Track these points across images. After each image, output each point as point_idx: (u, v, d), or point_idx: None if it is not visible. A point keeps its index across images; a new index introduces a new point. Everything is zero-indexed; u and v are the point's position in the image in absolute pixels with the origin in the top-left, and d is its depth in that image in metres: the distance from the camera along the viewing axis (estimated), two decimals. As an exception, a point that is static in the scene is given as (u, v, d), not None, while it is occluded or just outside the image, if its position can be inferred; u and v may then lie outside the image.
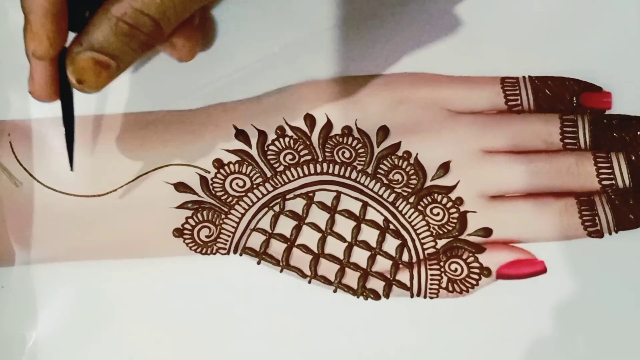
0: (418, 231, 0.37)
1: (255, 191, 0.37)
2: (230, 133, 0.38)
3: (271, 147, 0.38)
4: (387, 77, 0.39)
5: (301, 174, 0.38)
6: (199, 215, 0.37)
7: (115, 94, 0.38)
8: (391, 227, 0.37)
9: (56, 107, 0.35)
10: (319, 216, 0.37)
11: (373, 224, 0.37)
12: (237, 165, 0.38)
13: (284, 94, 0.39)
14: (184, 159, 0.38)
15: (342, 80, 0.39)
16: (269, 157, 0.38)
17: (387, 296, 0.36)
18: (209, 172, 0.38)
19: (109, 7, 0.28)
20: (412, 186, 0.38)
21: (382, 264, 0.37)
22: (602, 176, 0.38)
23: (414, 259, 0.37)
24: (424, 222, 0.37)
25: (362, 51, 0.39)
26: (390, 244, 0.37)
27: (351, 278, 0.36)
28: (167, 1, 0.28)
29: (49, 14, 0.27)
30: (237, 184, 0.38)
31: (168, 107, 0.38)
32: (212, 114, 0.38)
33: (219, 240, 0.37)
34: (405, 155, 0.38)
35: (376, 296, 0.36)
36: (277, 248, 0.37)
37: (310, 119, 0.38)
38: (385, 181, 0.38)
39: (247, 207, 0.37)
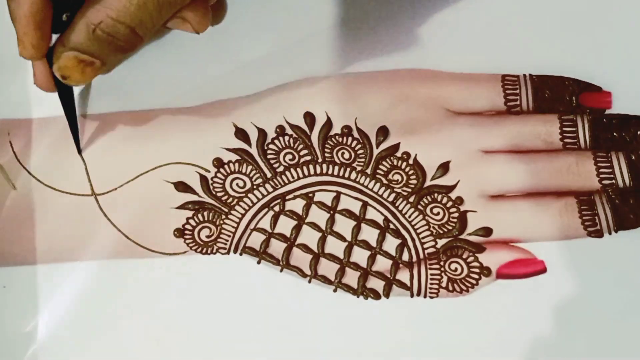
0: (418, 231, 0.37)
1: (256, 192, 0.37)
2: (230, 131, 0.38)
3: (271, 146, 0.38)
4: (387, 74, 0.39)
5: (301, 175, 0.38)
6: (199, 215, 0.37)
7: (114, 93, 0.38)
8: (391, 226, 0.37)
9: (56, 106, 0.36)
10: (319, 216, 0.37)
11: (373, 223, 0.37)
12: (237, 165, 0.38)
13: (283, 92, 0.39)
14: (184, 157, 0.38)
15: (342, 78, 0.39)
16: (268, 157, 0.38)
17: (387, 296, 0.36)
18: (209, 171, 0.38)
19: (85, 11, 0.29)
20: (412, 186, 0.38)
21: (382, 264, 0.37)
22: (602, 176, 0.38)
23: (414, 259, 0.37)
24: (424, 222, 0.37)
25: (362, 49, 0.39)
26: (390, 244, 0.37)
27: (351, 277, 0.36)
28: (142, 9, 0.28)
29: (32, 23, 0.29)
30: (237, 184, 0.38)
31: (167, 105, 0.38)
32: (212, 112, 0.38)
33: (219, 240, 0.37)
34: (404, 156, 0.38)
35: (376, 296, 0.36)
36: (277, 248, 0.37)
37: (310, 117, 0.38)
38: (385, 181, 0.38)
39: (247, 208, 0.37)
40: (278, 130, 0.38)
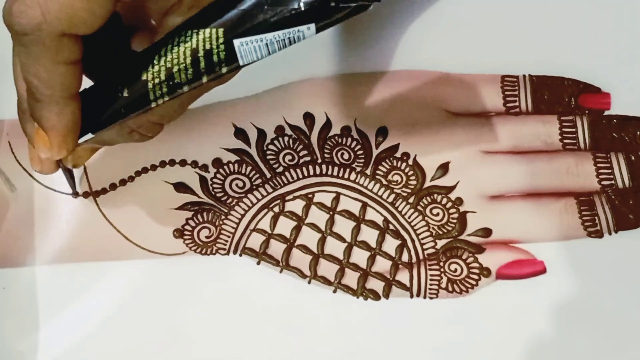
0: (418, 231, 0.37)
1: (255, 192, 0.37)
2: (230, 131, 0.38)
3: (270, 147, 0.38)
4: (386, 74, 0.39)
5: (300, 176, 0.38)
6: (199, 216, 0.37)
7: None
8: (391, 227, 0.37)
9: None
10: (318, 216, 0.37)
11: (373, 224, 0.37)
12: (236, 165, 0.38)
13: (283, 92, 0.39)
14: (183, 156, 0.38)
15: (341, 78, 0.39)
16: (268, 157, 0.38)
17: (387, 296, 0.36)
18: (209, 172, 0.38)
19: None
20: (412, 187, 0.38)
21: (382, 264, 0.37)
22: (601, 176, 0.38)
23: (414, 259, 0.37)
24: (423, 223, 0.37)
25: (362, 49, 0.39)
26: (390, 244, 0.37)
27: (351, 278, 0.36)
28: (180, 109, 0.29)
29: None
30: (236, 185, 0.38)
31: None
32: (211, 112, 0.38)
33: (219, 240, 0.37)
34: (403, 156, 0.38)
35: (376, 296, 0.36)
36: (276, 248, 0.37)
37: (309, 118, 0.38)
38: (385, 182, 0.38)
39: (247, 208, 0.37)
40: (277, 130, 0.38)
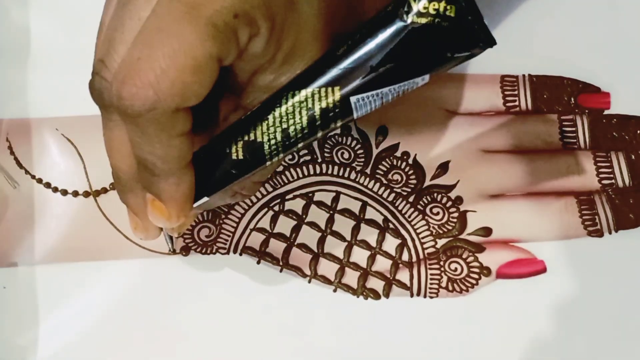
0: (418, 230, 0.37)
1: (255, 192, 0.37)
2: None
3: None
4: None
5: (300, 175, 0.38)
6: (198, 215, 0.37)
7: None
8: (391, 226, 0.37)
9: (56, 106, 0.36)
10: (318, 216, 0.37)
11: (373, 223, 0.37)
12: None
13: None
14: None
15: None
16: (268, 157, 0.38)
17: (387, 296, 0.36)
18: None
19: None
20: (412, 186, 0.38)
21: (382, 264, 0.37)
22: (601, 175, 0.38)
23: (414, 259, 0.37)
24: (423, 222, 0.37)
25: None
26: (390, 244, 0.37)
27: (351, 277, 0.36)
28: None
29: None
30: (236, 184, 0.38)
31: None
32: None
33: (218, 240, 0.37)
34: (404, 156, 0.38)
35: (376, 296, 0.36)
36: (276, 248, 0.37)
37: (310, 118, 0.38)
38: (385, 181, 0.38)
39: (246, 207, 0.37)
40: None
